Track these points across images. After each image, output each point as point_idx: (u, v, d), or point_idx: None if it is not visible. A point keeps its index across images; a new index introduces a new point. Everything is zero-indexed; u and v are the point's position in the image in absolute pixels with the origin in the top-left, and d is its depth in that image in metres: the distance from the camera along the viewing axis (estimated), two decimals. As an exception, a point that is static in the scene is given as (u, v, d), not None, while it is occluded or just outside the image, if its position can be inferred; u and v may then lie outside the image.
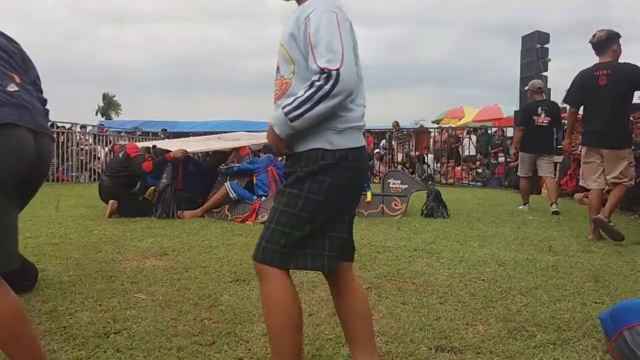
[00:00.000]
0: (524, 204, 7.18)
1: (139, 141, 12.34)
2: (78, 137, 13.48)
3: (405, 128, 15.28)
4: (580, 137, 8.65)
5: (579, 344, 2.05)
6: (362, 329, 1.66)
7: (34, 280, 2.75)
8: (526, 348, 2.01)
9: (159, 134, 16.23)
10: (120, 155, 6.12)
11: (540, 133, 6.98)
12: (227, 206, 5.83)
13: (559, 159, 9.98)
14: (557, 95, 13.89)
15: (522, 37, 13.78)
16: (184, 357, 1.87)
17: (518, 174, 7.42)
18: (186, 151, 6.00)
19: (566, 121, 5.33)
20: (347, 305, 1.67)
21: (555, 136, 7.89)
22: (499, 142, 13.61)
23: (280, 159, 6.44)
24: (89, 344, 1.98)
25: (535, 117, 6.94)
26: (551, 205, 6.79)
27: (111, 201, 5.80)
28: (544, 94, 7.40)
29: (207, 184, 6.26)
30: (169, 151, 6.00)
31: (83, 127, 14.47)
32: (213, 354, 1.90)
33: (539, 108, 6.98)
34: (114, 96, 51.38)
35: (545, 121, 6.92)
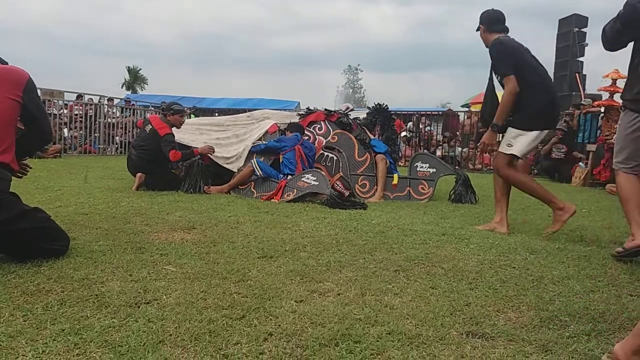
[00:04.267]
0: None
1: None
2: (105, 110, 13.65)
3: (432, 111, 15.08)
4: (614, 126, 8.57)
5: (614, 337, 1.99)
6: None
7: (66, 245, 2.79)
8: (560, 338, 1.96)
9: (186, 109, 16.28)
10: (147, 129, 6.02)
11: None
12: (253, 183, 5.84)
13: (592, 147, 9.76)
14: (593, 83, 13.52)
15: (560, 20, 13.39)
16: (214, 329, 1.87)
17: None
18: (213, 148, 6.04)
19: None
20: None
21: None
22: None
23: (306, 137, 6.40)
24: (120, 312, 2.00)
25: None
26: None
27: (139, 174, 5.85)
28: None
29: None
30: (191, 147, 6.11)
31: (110, 99, 14.62)
32: (244, 328, 1.90)
33: None
34: (140, 70, 51.59)
35: None
